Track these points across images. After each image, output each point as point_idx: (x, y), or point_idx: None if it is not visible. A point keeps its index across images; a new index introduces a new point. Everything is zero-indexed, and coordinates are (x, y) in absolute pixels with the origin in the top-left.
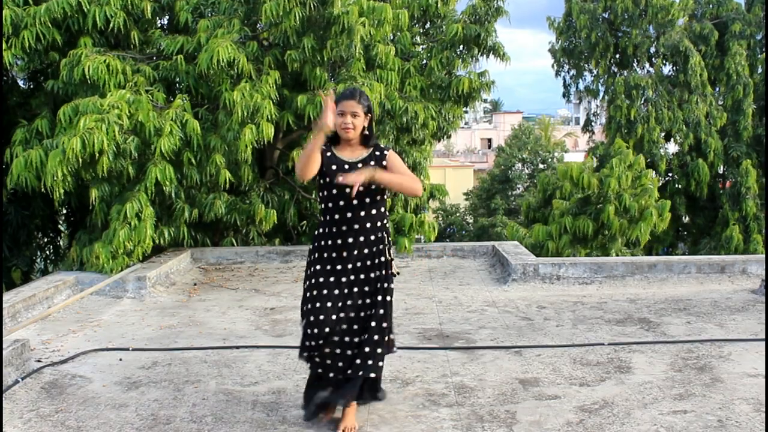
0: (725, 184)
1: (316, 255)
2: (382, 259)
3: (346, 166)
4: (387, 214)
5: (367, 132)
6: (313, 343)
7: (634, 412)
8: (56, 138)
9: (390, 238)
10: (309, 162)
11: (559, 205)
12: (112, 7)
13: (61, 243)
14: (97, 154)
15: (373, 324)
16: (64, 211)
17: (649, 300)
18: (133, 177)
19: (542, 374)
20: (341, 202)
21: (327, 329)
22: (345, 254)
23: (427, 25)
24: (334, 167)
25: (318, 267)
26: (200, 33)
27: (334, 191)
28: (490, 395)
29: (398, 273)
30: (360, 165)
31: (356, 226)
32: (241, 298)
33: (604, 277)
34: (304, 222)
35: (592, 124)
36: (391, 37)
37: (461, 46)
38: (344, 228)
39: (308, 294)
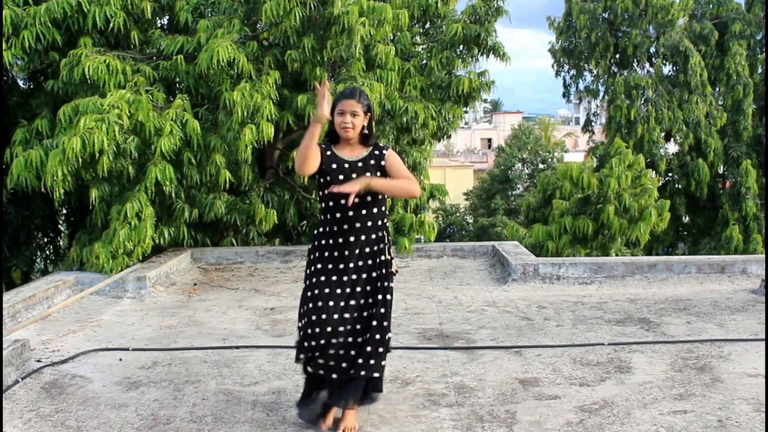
0: (725, 184)
1: (317, 254)
2: (383, 258)
3: (346, 165)
4: (387, 212)
5: (366, 131)
6: (313, 343)
7: (634, 412)
8: (56, 138)
9: (390, 237)
10: (307, 156)
11: (559, 205)
12: (112, 7)
13: (61, 243)
14: (97, 154)
15: (374, 323)
16: (64, 211)
17: (649, 300)
18: (133, 177)
19: (542, 374)
20: (342, 201)
21: (329, 329)
22: (347, 253)
23: (427, 25)
24: (334, 166)
25: (319, 266)
26: (200, 33)
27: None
28: (490, 395)
29: (396, 271)
30: (360, 164)
31: (357, 225)
32: (241, 298)
33: (604, 277)
34: (304, 222)
35: (592, 124)
36: (391, 37)
37: (461, 46)
38: (346, 227)
39: (309, 293)
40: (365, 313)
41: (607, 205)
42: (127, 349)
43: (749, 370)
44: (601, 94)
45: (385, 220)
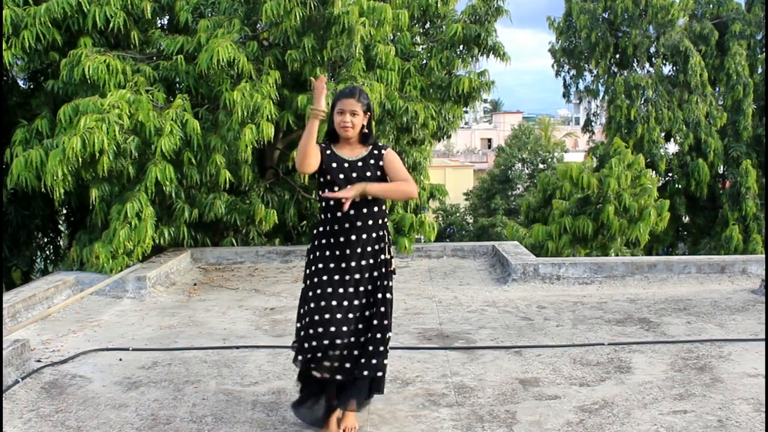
0: (725, 184)
1: (317, 254)
2: (383, 257)
3: (346, 165)
4: (387, 211)
5: (366, 131)
6: (314, 343)
7: (634, 412)
8: (56, 138)
9: (390, 236)
10: (307, 154)
11: (559, 205)
12: (112, 7)
13: (61, 243)
14: (97, 154)
15: (375, 322)
16: (64, 211)
17: (649, 300)
18: (134, 177)
19: (542, 374)
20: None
21: (333, 328)
22: (348, 252)
23: (427, 25)
24: (334, 165)
25: (320, 266)
26: (200, 33)
27: (336, 189)
28: (490, 395)
29: (395, 271)
30: (360, 164)
31: (359, 224)
32: (241, 298)
33: (604, 277)
34: (304, 222)
35: (592, 124)
36: (391, 37)
37: (461, 46)
38: (347, 225)
39: (310, 293)
40: (367, 313)
41: (607, 205)
42: (127, 349)
43: (749, 370)
44: (601, 94)
45: (386, 219)
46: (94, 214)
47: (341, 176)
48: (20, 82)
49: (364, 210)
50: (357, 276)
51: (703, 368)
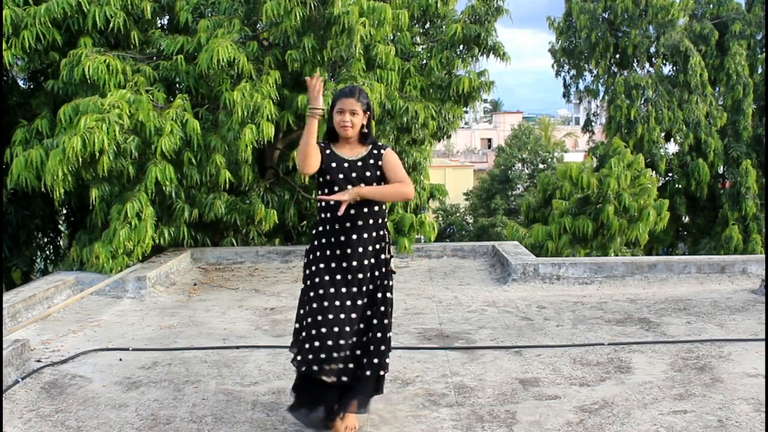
0: (725, 184)
1: (317, 254)
2: (383, 256)
3: (346, 165)
4: (386, 211)
5: (365, 130)
6: (317, 344)
7: (634, 412)
8: (57, 137)
9: (390, 236)
10: (308, 154)
11: (559, 205)
12: (112, 7)
13: (61, 243)
14: (97, 154)
15: (375, 321)
16: (64, 211)
17: (649, 300)
18: (134, 177)
19: (542, 374)
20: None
21: (336, 329)
22: (349, 251)
23: (427, 25)
24: (333, 165)
25: (321, 266)
26: (200, 33)
27: (336, 189)
28: (490, 395)
29: (395, 271)
30: (360, 163)
31: (360, 223)
32: (241, 298)
33: (604, 277)
34: (304, 222)
35: (592, 124)
36: (391, 37)
37: (461, 46)
38: (347, 225)
39: (312, 294)
40: (368, 312)
41: (607, 205)
42: (127, 349)
43: (749, 370)
44: (601, 94)
45: (385, 219)
46: (94, 214)
47: (341, 176)
48: (20, 82)
49: (365, 209)
50: (359, 276)
51: (703, 368)
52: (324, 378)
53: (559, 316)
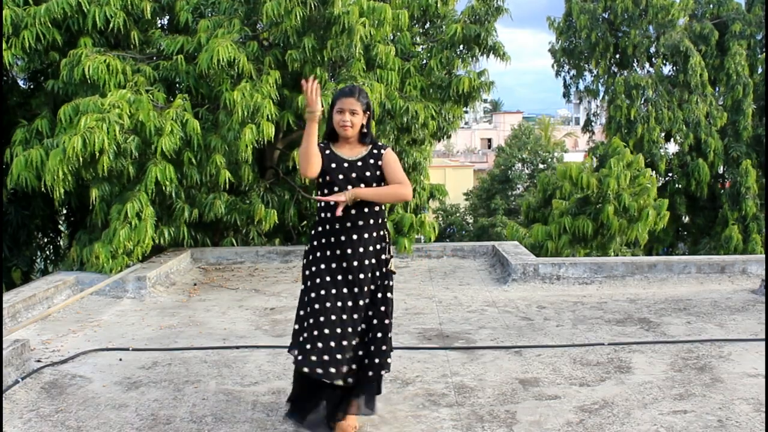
0: (725, 184)
1: (318, 255)
2: (384, 257)
3: (346, 165)
4: (386, 211)
5: (365, 130)
6: (320, 345)
7: (634, 412)
8: (57, 137)
9: (390, 236)
10: (309, 158)
11: (559, 205)
12: (112, 7)
13: (61, 243)
14: (97, 154)
15: (375, 322)
16: (64, 211)
17: (649, 300)
18: (134, 177)
19: (542, 374)
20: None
21: (339, 330)
22: (349, 251)
23: (427, 25)
24: (333, 165)
25: (322, 266)
26: (200, 33)
27: (336, 189)
28: (490, 395)
29: (395, 272)
30: (360, 163)
31: (360, 223)
32: (241, 298)
33: (604, 277)
34: (304, 222)
35: (592, 124)
36: (391, 37)
37: (461, 46)
38: (348, 225)
39: (313, 295)
40: (370, 313)
41: (607, 204)
42: (127, 349)
43: (749, 370)
44: (601, 94)
45: (385, 219)
46: (94, 214)
47: (341, 176)
48: (20, 82)
49: (365, 210)
50: (360, 276)
51: (703, 368)
52: (328, 380)
53: (559, 316)
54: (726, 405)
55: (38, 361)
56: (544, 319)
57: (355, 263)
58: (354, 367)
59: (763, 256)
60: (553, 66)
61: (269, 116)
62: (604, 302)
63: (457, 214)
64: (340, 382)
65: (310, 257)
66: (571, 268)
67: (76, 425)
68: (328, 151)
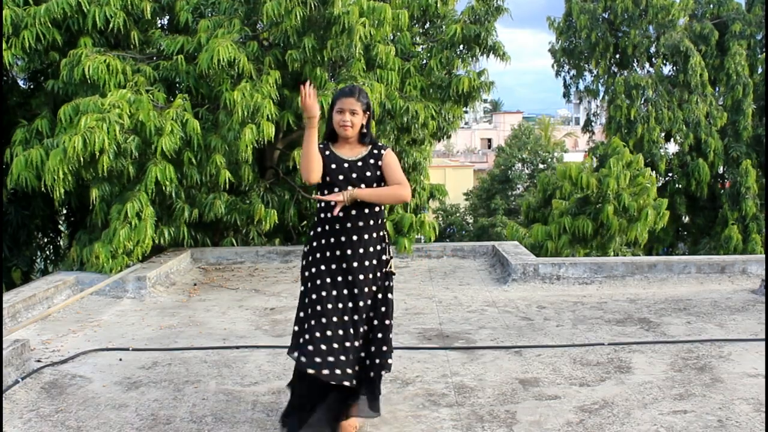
0: (725, 184)
1: (317, 256)
2: (384, 257)
3: (346, 165)
4: (384, 212)
5: (365, 130)
6: (323, 347)
7: (634, 412)
8: (57, 137)
9: (389, 237)
10: (311, 163)
11: (559, 205)
12: (112, 8)
13: (61, 243)
14: (97, 153)
15: (376, 323)
16: (64, 211)
17: (649, 300)
18: (134, 176)
19: (542, 374)
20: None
21: (341, 332)
22: (350, 252)
23: (427, 25)
24: (333, 166)
25: (322, 268)
26: (200, 33)
27: (336, 190)
28: (490, 395)
29: (394, 273)
30: (360, 163)
31: (360, 224)
32: (241, 298)
33: (604, 277)
34: (304, 222)
35: (592, 124)
36: (391, 37)
37: (461, 46)
38: (349, 226)
39: (314, 296)
40: (371, 314)
41: (606, 204)
42: (127, 349)
43: (749, 370)
44: (601, 94)
45: (384, 219)
46: (94, 214)
47: (341, 177)
48: (20, 82)
49: (366, 210)
50: (360, 277)
51: (703, 368)
52: (335, 382)
53: (559, 316)
54: (726, 405)
55: (38, 361)
56: (544, 319)
57: (356, 264)
58: (357, 368)
59: (763, 256)
60: (553, 66)
61: (269, 116)
62: (604, 302)
63: (457, 214)
64: (347, 383)
65: (310, 258)
66: (571, 268)
67: (76, 425)
68: (327, 152)
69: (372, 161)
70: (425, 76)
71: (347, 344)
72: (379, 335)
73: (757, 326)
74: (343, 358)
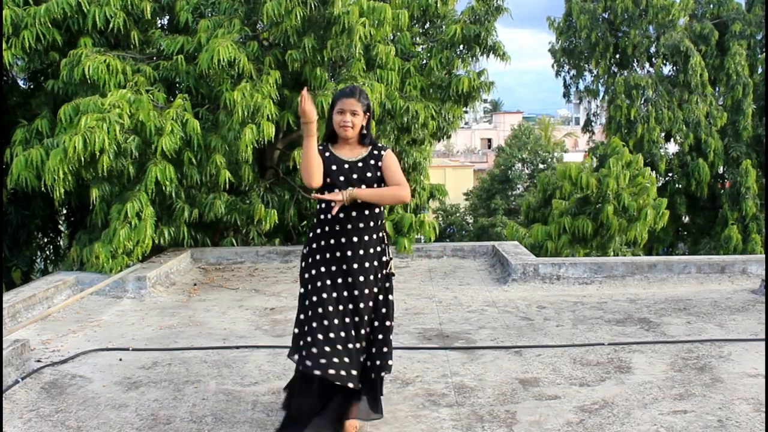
0: (725, 184)
1: (317, 257)
2: (384, 258)
3: (346, 166)
4: (384, 213)
5: (365, 131)
6: (327, 348)
7: (634, 412)
8: (57, 137)
9: (388, 238)
10: (311, 167)
11: (559, 205)
12: (112, 8)
13: (61, 243)
14: (97, 153)
15: (376, 324)
16: (64, 211)
17: (649, 300)
18: (134, 176)
19: (542, 374)
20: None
21: (343, 333)
22: (350, 253)
23: (427, 25)
24: (333, 167)
25: (322, 269)
26: (200, 33)
27: (336, 191)
28: (490, 395)
29: (394, 273)
30: (360, 164)
31: (361, 225)
32: (241, 298)
33: (604, 277)
34: (304, 222)
35: (592, 124)
36: (391, 37)
37: (461, 46)
38: (349, 226)
39: (314, 298)
40: (372, 315)
41: (606, 204)
42: (127, 349)
43: (749, 370)
44: (601, 94)
45: (384, 220)
46: (94, 214)
47: (341, 178)
48: (20, 82)
49: (366, 211)
50: (361, 278)
51: (703, 368)
52: (340, 383)
53: (559, 316)
54: (726, 405)
55: (38, 361)
56: (544, 319)
57: (356, 266)
58: (359, 369)
59: (763, 256)
60: (553, 66)
61: (269, 116)
62: (604, 302)
63: (457, 214)
64: (351, 385)
65: (309, 260)
66: (571, 268)
67: (76, 425)
68: (327, 154)
69: (372, 162)
70: (425, 76)
71: (349, 346)
72: (380, 336)
73: (757, 326)
74: (346, 359)
